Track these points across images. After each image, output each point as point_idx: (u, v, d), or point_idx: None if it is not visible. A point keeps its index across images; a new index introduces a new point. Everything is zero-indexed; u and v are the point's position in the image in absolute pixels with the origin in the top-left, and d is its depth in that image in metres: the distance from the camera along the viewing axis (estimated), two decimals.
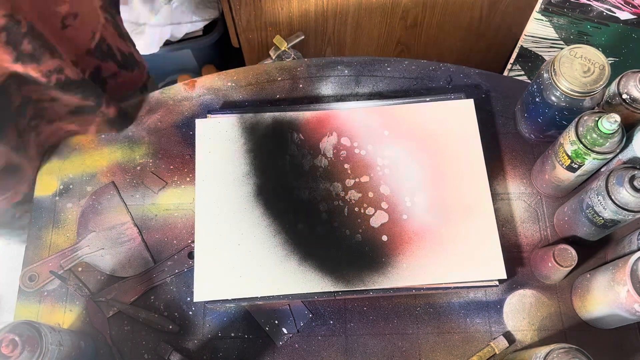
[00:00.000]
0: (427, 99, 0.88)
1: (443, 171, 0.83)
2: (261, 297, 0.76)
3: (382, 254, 0.78)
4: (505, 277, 0.76)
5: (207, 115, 0.87)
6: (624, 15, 1.10)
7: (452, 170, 0.83)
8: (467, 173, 0.83)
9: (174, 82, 1.41)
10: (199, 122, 0.86)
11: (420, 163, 0.84)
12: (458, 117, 0.86)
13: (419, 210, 0.81)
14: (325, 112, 0.87)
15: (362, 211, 0.81)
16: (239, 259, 0.78)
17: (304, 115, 0.87)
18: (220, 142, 0.85)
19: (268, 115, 0.87)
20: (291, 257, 0.78)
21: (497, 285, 0.77)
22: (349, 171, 0.84)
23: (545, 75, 0.78)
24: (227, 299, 0.77)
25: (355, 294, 0.77)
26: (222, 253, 0.78)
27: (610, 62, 0.77)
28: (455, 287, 0.77)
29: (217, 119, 0.87)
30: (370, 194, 0.82)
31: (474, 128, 0.85)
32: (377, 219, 0.80)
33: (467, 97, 0.88)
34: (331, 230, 0.80)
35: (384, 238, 0.79)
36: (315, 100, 0.92)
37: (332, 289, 0.76)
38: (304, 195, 0.82)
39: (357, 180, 0.83)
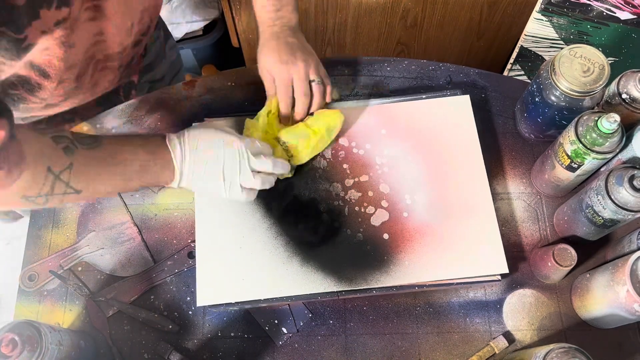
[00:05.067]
0: (424, 96, 0.88)
1: (442, 167, 0.83)
2: (264, 299, 0.76)
3: (383, 252, 0.78)
4: (507, 271, 0.76)
5: (204, 119, 0.87)
6: (624, 15, 1.10)
7: (450, 166, 0.83)
8: (466, 168, 0.83)
9: None
10: (194, 126, 0.86)
11: (418, 160, 0.84)
12: (455, 113, 0.86)
13: (420, 208, 0.81)
14: None
15: (362, 210, 0.81)
16: (241, 262, 0.78)
17: None
18: None
19: None
20: (293, 258, 0.78)
21: (499, 280, 0.77)
22: (348, 171, 0.83)
23: (545, 75, 0.78)
24: (230, 302, 0.77)
25: (359, 293, 0.77)
26: (224, 256, 0.78)
27: (610, 61, 0.77)
28: (458, 283, 0.77)
29: (214, 122, 0.87)
30: (370, 193, 0.82)
31: (471, 123, 0.86)
32: (378, 218, 0.80)
33: (464, 94, 0.88)
34: (332, 230, 0.80)
35: (385, 236, 0.79)
36: None
37: (335, 289, 0.76)
38: (304, 197, 0.82)
39: (356, 179, 0.83)
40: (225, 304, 0.77)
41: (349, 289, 0.76)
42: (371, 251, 0.78)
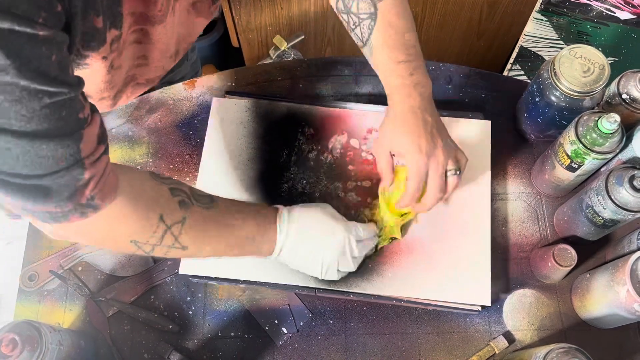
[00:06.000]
0: (444, 113, 0.85)
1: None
2: (243, 280, 0.77)
3: (369, 260, 0.78)
4: (489, 304, 0.75)
5: (225, 95, 0.89)
6: (624, 15, 1.10)
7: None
8: (471, 194, 0.81)
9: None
10: (215, 100, 0.88)
11: None
12: (473, 136, 0.84)
13: (415, 223, 0.80)
14: (340, 110, 0.87)
15: (357, 215, 0.81)
16: None
17: (319, 110, 0.87)
18: (232, 123, 0.86)
19: (283, 105, 0.88)
20: None
21: (479, 311, 0.76)
22: (352, 173, 0.83)
23: (545, 75, 0.78)
24: (211, 277, 0.78)
25: (336, 294, 0.77)
26: None
27: (610, 62, 0.77)
28: (436, 305, 0.76)
29: (233, 100, 0.88)
30: (369, 200, 0.82)
31: (486, 151, 0.84)
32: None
33: (486, 119, 0.86)
34: None
35: None
36: (316, 99, 0.92)
37: (314, 285, 0.76)
38: (303, 189, 0.82)
39: (358, 183, 0.83)
40: (205, 277, 0.78)
41: (328, 288, 0.76)
42: None
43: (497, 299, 0.79)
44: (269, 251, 0.68)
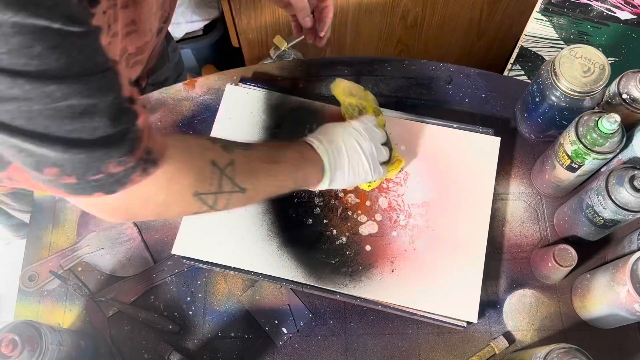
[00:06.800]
0: (454, 125, 0.86)
1: (447, 201, 0.81)
2: (233, 267, 0.78)
3: (360, 262, 0.78)
4: (475, 320, 0.75)
5: (239, 83, 0.90)
6: (624, 15, 1.10)
7: (456, 202, 0.81)
8: (471, 209, 0.81)
9: None
10: (228, 87, 0.89)
11: (426, 186, 0.82)
12: (480, 151, 0.84)
13: (411, 232, 0.80)
14: None
15: (354, 216, 0.81)
16: (224, 226, 0.80)
17: (329, 109, 0.88)
18: (242, 112, 0.88)
19: (295, 99, 0.89)
20: (273, 239, 0.79)
21: (464, 327, 0.75)
22: None
23: (545, 75, 0.78)
24: (202, 260, 0.78)
25: (323, 292, 0.77)
26: (211, 215, 0.79)
27: (610, 62, 0.77)
28: (422, 316, 0.76)
29: (246, 89, 0.90)
30: (368, 203, 0.82)
31: (492, 167, 0.83)
32: (367, 228, 0.80)
33: (496, 135, 0.85)
34: (319, 225, 0.80)
35: (368, 248, 0.79)
36: (316, 100, 0.92)
37: (302, 281, 0.77)
38: None
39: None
40: (196, 259, 0.79)
41: (316, 285, 0.77)
42: (349, 257, 0.78)
43: (497, 299, 0.79)
44: (318, 178, 0.69)
